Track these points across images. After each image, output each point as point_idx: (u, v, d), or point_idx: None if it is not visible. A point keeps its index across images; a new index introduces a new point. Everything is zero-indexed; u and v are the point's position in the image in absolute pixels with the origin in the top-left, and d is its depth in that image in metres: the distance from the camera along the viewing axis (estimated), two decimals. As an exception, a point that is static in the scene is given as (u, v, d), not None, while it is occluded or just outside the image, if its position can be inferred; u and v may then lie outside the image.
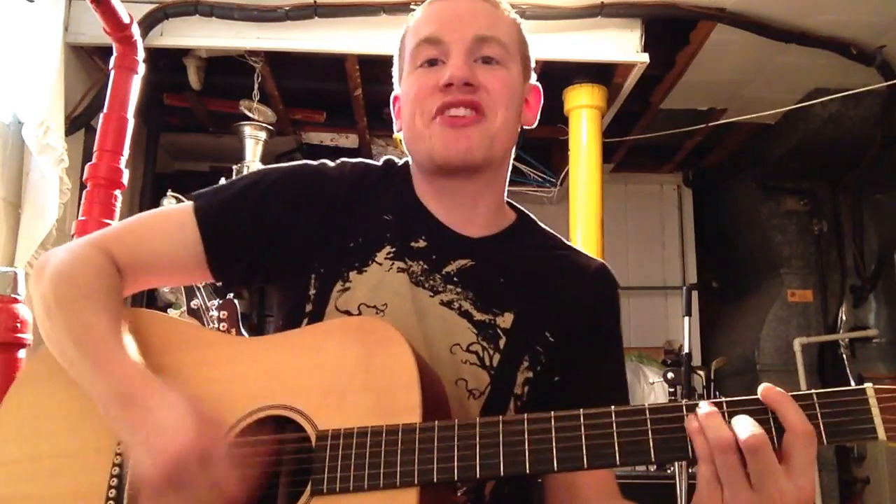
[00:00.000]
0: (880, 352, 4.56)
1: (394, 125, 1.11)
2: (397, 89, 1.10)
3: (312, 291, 1.00)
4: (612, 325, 1.07)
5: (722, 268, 5.34)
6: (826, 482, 4.22)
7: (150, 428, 0.81)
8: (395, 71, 1.11)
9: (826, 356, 4.54)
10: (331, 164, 1.08)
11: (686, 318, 3.78)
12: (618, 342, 1.08)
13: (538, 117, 1.11)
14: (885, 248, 4.57)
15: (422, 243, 1.02)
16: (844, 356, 4.47)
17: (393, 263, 1.00)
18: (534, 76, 1.10)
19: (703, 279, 5.14)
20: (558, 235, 1.13)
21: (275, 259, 1.02)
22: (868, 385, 0.72)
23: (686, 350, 3.70)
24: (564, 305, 1.03)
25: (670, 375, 3.62)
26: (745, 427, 0.71)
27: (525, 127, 1.09)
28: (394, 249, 1.01)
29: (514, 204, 1.14)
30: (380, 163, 1.11)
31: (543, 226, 1.13)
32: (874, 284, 4.58)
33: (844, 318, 4.57)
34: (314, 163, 1.08)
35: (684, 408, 0.76)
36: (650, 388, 4.29)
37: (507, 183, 1.10)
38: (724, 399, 0.75)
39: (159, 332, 0.96)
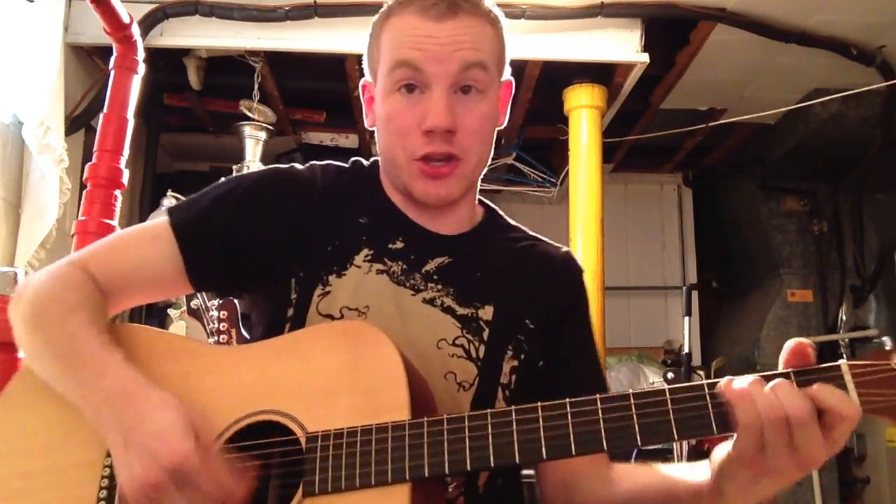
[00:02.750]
0: (880, 352, 4.55)
1: (365, 119, 1.10)
2: (368, 77, 1.08)
3: (294, 296, 1.00)
4: (582, 308, 1.12)
5: (722, 268, 5.34)
6: (826, 482, 4.21)
7: (144, 431, 0.80)
8: (366, 58, 1.07)
9: (826, 356, 4.50)
10: (300, 167, 1.09)
11: (686, 318, 3.79)
12: (589, 324, 1.13)
13: (508, 115, 1.11)
14: (885, 248, 4.56)
15: (399, 244, 1.04)
16: (844, 356, 4.45)
17: (372, 265, 1.01)
18: (508, 70, 1.07)
19: (703, 279, 5.14)
20: (523, 227, 1.16)
21: (254, 265, 1.02)
22: (842, 361, 0.76)
23: (686, 350, 3.71)
24: (539, 293, 1.07)
25: (670, 375, 3.62)
26: (793, 399, 0.73)
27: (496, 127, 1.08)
28: (372, 252, 1.02)
29: (482, 199, 1.16)
30: (348, 164, 1.12)
31: (509, 219, 1.17)
32: (874, 284, 4.57)
33: (844, 318, 4.57)
34: (285, 166, 1.08)
35: (667, 391, 0.78)
36: (650, 388, 4.28)
37: (479, 182, 1.10)
38: (758, 374, 0.77)
39: (145, 345, 0.96)
